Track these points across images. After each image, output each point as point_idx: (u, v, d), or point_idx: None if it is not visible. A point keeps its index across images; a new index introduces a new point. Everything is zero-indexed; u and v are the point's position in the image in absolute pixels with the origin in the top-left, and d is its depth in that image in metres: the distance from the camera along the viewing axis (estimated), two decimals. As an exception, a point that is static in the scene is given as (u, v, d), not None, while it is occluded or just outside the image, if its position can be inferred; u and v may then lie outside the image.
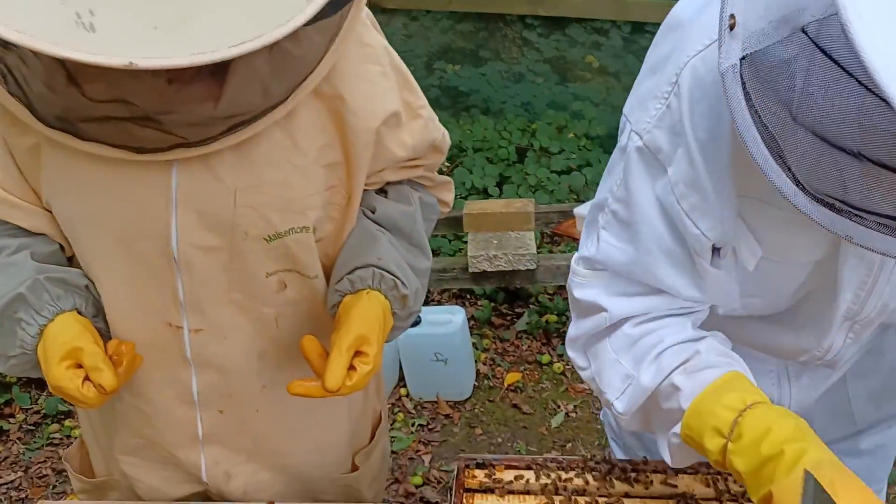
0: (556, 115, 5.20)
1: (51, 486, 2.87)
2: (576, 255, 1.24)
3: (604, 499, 1.21)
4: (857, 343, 1.26)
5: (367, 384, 1.27)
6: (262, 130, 1.14)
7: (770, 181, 0.89)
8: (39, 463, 2.94)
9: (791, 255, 1.13)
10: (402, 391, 3.21)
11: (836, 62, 0.77)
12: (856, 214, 0.86)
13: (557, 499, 1.21)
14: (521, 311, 3.63)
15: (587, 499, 1.21)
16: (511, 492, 1.24)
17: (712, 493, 1.23)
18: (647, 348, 1.14)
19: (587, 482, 1.24)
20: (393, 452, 2.95)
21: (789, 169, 0.88)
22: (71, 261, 1.28)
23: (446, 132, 1.39)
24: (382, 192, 1.37)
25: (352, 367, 1.18)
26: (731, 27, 0.88)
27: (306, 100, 1.17)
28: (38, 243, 1.24)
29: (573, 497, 1.21)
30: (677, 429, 1.08)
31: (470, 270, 3.08)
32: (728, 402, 1.02)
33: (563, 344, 3.68)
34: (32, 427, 3.09)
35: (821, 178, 0.85)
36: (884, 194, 0.80)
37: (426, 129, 1.33)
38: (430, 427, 3.09)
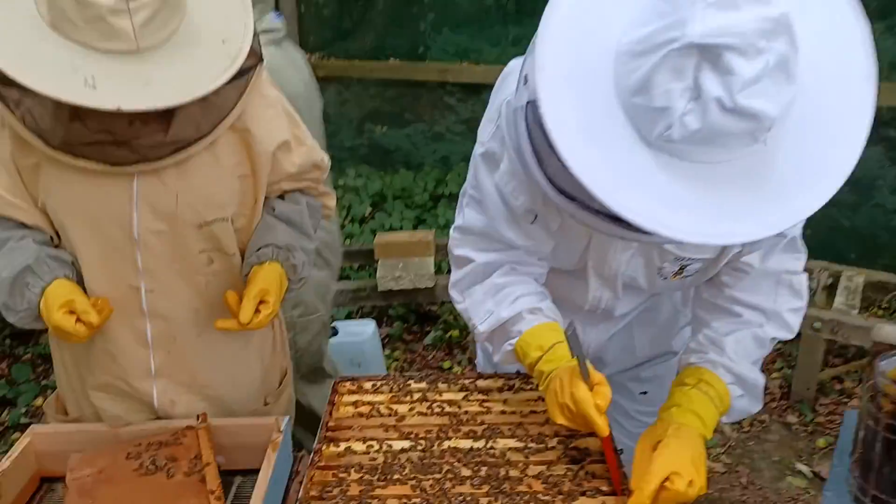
0: (468, 167, 5.85)
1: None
2: (452, 226, 1.84)
3: (431, 394, 1.80)
4: (623, 301, 1.84)
5: (269, 323, 1.83)
6: (195, 153, 1.73)
7: (534, 179, 1.47)
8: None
9: (572, 227, 1.65)
10: (325, 394, 3.74)
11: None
12: (575, 203, 1.42)
13: (400, 394, 1.79)
14: (429, 330, 4.22)
15: (419, 393, 1.79)
16: (369, 392, 1.81)
17: (504, 386, 1.83)
18: (506, 296, 1.74)
19: (421, 385, 1.83)
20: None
21: (545, 172, 1.45)
22: (57, 246, 1.80)
23: (326, 156, 2.00)
24: (280, 197, 1.95)
25: (258, 311, 1.76)
26: (525, 81, 1.37)
27: (225, 133, 1.75)
28: (36, 233, 1.71)
29: (411, 393, 1.80)
30: (512, 343, 1.70)
31: (379, 289, 3.65)
32: (549, 336, 1.67)
33: (463, 352, 4.25)
34: (-3, 437, 3.50)
35: (555, 179, 1.43)
36: (582, 196, 1.37)
37: (309, 153, 1.93)
38: (348, 423, 3.60)
